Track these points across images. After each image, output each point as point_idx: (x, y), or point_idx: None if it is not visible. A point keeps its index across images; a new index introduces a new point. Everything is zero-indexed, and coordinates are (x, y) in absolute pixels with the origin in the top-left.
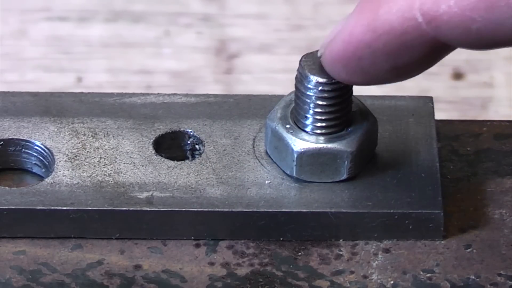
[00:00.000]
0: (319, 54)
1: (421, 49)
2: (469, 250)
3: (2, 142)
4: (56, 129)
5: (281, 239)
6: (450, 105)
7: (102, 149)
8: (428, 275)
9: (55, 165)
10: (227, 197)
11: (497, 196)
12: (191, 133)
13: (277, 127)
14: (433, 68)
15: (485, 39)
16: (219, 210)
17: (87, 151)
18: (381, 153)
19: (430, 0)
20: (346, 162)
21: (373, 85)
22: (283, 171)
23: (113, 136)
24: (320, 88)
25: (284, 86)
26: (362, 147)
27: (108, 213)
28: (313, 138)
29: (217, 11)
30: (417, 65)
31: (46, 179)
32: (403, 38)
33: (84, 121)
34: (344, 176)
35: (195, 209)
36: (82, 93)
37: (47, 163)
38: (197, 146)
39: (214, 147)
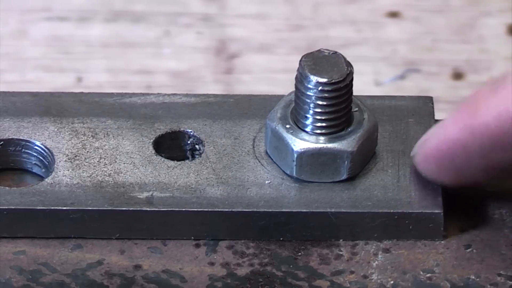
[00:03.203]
0: (412, 153)
1: None
2: (469, 250)
3: (2, 142)
4: (56, 129)
5: (281, 239)
6: (450, 105)
7: (102, 149)
8: (428, 275)
9: (55, 165)
10: (227, 197)
11: (497, 196)
12: (191, 133)
13: (277, 127)
14: (433, 68)
15: None
16: (219, 210)
17: (87, 151)
18: (381, 153)
19: None
20: (346, 162)
21: (466, 187)
22: (283, 171)
23: (113, 136)
24: (320, 88)
25: (284, 86)
26: (362, 147)
27: (108, 213)
28: (313, 138)
29: (217, 11)
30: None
31: (46, 179)
32: (499, 139)
33: (84, 121)
34: (344, 176)
35: (195, 209)
36: (82, 93)
37: (47, 163)
38: (197, 146)
39: (214, 147)
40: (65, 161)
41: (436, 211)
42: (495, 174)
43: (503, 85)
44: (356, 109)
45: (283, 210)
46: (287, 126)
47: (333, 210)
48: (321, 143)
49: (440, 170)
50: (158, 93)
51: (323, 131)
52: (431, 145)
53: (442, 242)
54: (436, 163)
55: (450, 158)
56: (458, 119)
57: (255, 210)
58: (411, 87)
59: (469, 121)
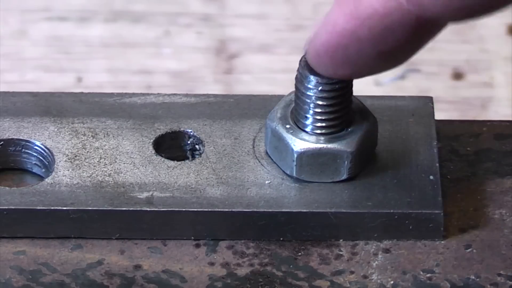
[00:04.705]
0: (304, 50)
1: (406, 30)
2: (469, 250)
3: (2, 142)
4: (56, 129)
5: (281, 239)
6: (450, 105)
7: (102, 149)
8: (428, 275)
9: (55, 165)
10: (227, 197)
11: (497, 196)
12: (191, 133)
13: (277, 127)
14: (433, 68)
15: (468, 5)
16: (219, 210)
17: (87, 151)
18: (381, 153)
19: None
20: (346, 162)
21: (362, 77)
22: (283, 171)
23: (113, 136)
24: (320, 88)
25: (284, 86)
26: (362, 147)
27: (108, 213)
28: (313, 138)
29: (217, 11)
30: (404, 48)
31: (46, 179)
32: (387, 21)
33: (84, 121)
34: (344, 176)
35: (195, 209)
36: (82, 93)
37: (47, 163)
38: (197, 146)
39: (214, 147)
40: (65, 161)
41: (436, 211)
42: (391, 59)
43: None
44: (356, 109)
45: (283, 210)
46: (287, 126)
47: (333, 210)
48: (321, 143)
49: (333, 63)
50: (158, 93)
51: (323, 131)
52: (322, 40)
53: (442, 242)
54: (328, 57)
55: (342, 50)
56: (343, 7)
57: (255, 210)
58: (411, 87)
59: (356, 9)
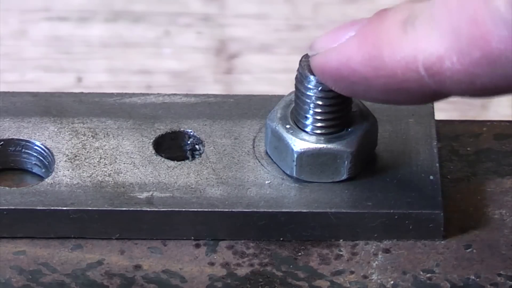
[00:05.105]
0: (310, 53)
1: (420, 95)
2: (469, 250)
3: (2, 142)
4: (56, 129)
5: (281, 239)
6: (450, 105)
7: (102, 149)
8: (428, 275)
9: (55, 165)
10: (227, 197)
11: (497, 196)
12: (191, 133)
13: (277, 127)
14: None
15: (489, 90)
16: (219, 210)
17: (87, 151)
18: (381, 153)
19: (434, 56)
20: (346, 162)
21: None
22: (283, 171)
23: (113, 136)
24: (320, 88)
25: (284, 86)
26: (362, 147)
27: (108, 213)
28: (313, 138)
29: (217, 11)
30: (410, 103)
31: (46, 179)
32: (404, 85)
33: (84, 121)
34: (344, 176)
35: (195, 209)
36: (82, 93)
37: (47, 163)
38: (197, 146)
39: (214, 147)
40: (65, 161)
41: (436, 211)
42: (390, 103)
43: (413, 25)
44: (356, 109)
45: (283, 210)
46: (287, 126)
47: (333, 210)
48: (321, 143)
49: (336, 86)
50: (158, 93)
51: (323, 131)
52: (331, 65)
53: (442, 242)
54: (333, 79)
55: (350, 83)
56: (362, 49)
57: (255, 210)
58: None
59: (374, 58)
